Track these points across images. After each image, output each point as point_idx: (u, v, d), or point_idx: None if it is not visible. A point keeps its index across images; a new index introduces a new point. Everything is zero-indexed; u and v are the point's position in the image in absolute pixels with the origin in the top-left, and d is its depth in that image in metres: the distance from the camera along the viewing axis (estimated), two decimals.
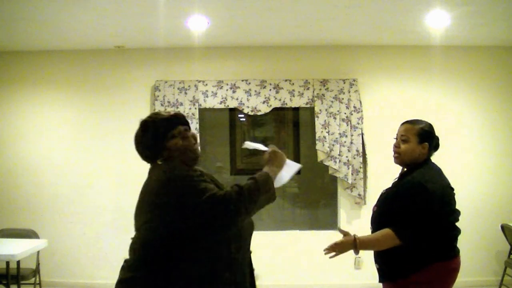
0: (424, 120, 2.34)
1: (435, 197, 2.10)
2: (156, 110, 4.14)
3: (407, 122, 2.33)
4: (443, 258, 2.14)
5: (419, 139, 2.24)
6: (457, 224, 2.23)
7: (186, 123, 1.87)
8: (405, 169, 2.33)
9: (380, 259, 2.27)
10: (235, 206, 1.62)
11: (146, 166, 5.26)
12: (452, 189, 2.23)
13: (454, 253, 2.20)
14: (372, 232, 2.29)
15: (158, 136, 1.85)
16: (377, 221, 2.27)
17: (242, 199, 1.62)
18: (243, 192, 1.63)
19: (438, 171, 2.25)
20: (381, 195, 2.36)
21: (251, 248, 1.88)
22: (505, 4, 3.48)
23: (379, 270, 2.29)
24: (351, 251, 2.24)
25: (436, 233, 2.12)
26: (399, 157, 2.29)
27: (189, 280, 1.66)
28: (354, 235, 2.24)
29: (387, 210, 2.22)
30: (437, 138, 2.32)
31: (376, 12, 3.69)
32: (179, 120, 1.87)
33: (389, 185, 2.43)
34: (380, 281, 2.30)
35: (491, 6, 3.52)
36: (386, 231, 2.13)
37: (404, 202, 2.12)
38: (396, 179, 2.36)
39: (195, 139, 1.88)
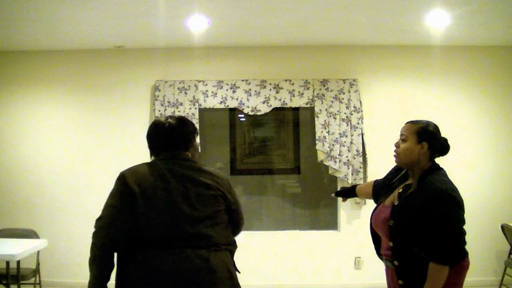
0: (427, 120, 2.25)
1: (460, 205, 2.05)
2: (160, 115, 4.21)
3: (409, 121, 2.27)
4: (461, 258, 2.10)
5: (418, 138, 2.16)
6: None
7: None
8: (406, 171, 2.27)
9: (405, 275, 2.14)
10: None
11: None
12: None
13: (466, 252, 2.14)
14: (391, 247, 2.16)
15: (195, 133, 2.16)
16: (399, 236, 2.12)
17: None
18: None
19: (447, 176, 2.16)
20: (394, 207, 2.17)
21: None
22: (505, 4, 3.48)
23: (402, 286, 2.14)
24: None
25: (459, 239, 2.08)
26: (397, 157, 2.22)
27: None
28: None
29: (412, 223, 2.07)
30: (442, 140, 2.21)
31: (376, 12, 3.69)
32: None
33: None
34: None
35: (491, 6, 3.52)
36: (433, 269, 2.01)
37: (435, 215, 2.00)
38: (405, 188, 2.21)
39: None
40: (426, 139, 2.16)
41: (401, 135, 2.23)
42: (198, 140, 2.20)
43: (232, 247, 2.11)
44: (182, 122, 2.11)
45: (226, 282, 1.94)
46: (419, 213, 2.05)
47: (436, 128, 2.23)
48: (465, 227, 2.17)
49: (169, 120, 2.10)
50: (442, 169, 2.21)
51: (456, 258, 2.06)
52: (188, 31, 4.08)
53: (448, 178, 2.15)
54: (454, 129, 4.64)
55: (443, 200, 2.02)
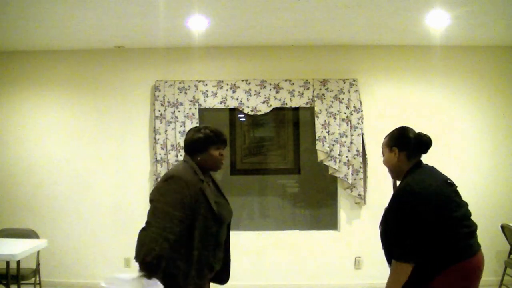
0: (397, 128, 2.37)
1: (419, 198, 2.06)
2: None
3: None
4: (457, 260, 2.05)
5: (388, 148, 2.32)
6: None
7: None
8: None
9: None
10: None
11: (145, 167, 5.27)
12: (450, 184, 2.18)
13: (471, 251, 2.09)
14: (385, 251, 2.22)
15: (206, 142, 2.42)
16: (384, 240, 2.21)
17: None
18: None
19: (426, 172, 2.21)
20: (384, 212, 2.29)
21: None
22: (505, 4, 3.48)
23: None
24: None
25: (438, 236, 2.04)
26: (389, 173, 2.37)
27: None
28: None
29: (386, 227, 2.19)
30: (413, 138, 2.28)
31: (376, 12, 3.69)
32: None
33: (390, 188, 2.44)
34: None
35: (491, 6, 3.52)
36: (393, 265, 2.09)
37: (392, 215, 2.13)
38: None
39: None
40: (395, 144, 2.29)
41: (381, 152, 2.38)
42: (219, 150, 2.43)
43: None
44: (191, 132, 2.45)
45: None
46: (386, 214, 2.17)
47: (401, 130, 2.32)
48: None
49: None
50: (421, 167, 2.25)
51: (412, 256, 2.04)
52: (188, 31, 4.08)
53: (418, 176, 2.18)
54: (453, 128, 4.65)
55: (394, 200, 2.14)
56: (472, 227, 2.15)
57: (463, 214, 2.14)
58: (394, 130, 2.35)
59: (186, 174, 2.27)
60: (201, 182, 2.30)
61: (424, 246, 2.04)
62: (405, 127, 2.34)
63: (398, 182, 2.38)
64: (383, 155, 2.36)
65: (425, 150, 2.27)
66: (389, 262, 2.18)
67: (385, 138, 2.37)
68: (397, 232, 2.08)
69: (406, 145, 2.26)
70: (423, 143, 2.27)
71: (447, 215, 2.08)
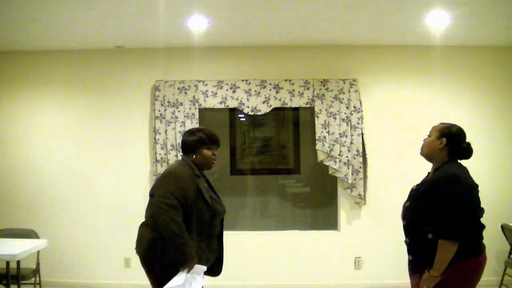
0: (454, 124, 2.49)
1: (467, 189, 2.25)
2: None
3: (440, 122, 2.52)
4: (472, 254, 2.24)
5: (439, 134, 2.41)
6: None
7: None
8: (434, 168, 2.47)
9: (413, 251, 2.37)
10: (160, 224, 2.35)
11: (145, 167, 5.28)
12: (477, 186, 2.37)
13: (481, 248, 2.29)
14: (404, 225, 2.42)
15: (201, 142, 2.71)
16: (411, 216, 2.38)
17: (166, 228, 2.33)
18: (171, 231, 2.34)
19: (466, 169, 2.42)
20: (411, 191, 2.47)
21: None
22: (505, 4, 3.48)
23: (411, 261, 2.38)
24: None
25: (466, 227, 2.20)
26: (421, 149, 2.49)
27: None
28: (426, 270, 2.29)
29: (422, 204, 2.31)
30: (464, 143, 2.43)
31: (376, 12, 3.69)
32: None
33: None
34: (412, 273, 2.41)
35: (491, 6, 3.52)
36: (440, 244, 2.19)
37: (441, 195, 2.22)
38: (426, 177, 2.50)
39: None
40: (446, 137, 2.41)
41: (429, 132, 2.50)
42: (211, 150, 2.70)
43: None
44: (186, 134, 2.73)
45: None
46: (427, 194, 2.30)
47: (459, 130, 2.47)
48: None
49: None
50: (460, 163, 2.43)
51: (461, 234, 2.18)
52: (188, 31, 4.08)
53: (462, 168, 2.37)
54: None
55: (446, 181, 2.26)
56: (483, 229, 2.33)
57: (480, 215, 2.34)
58: (455, 124, 2.48)
59: (182, 170, 2.55)
60: (197, 177, 2.56)
61: (463, 227, 2.18)
62: (462, 130, 2.47)
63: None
64: (429, 136, 2.46)
65: (462, 158, 2.46)
66: (406, 236, 2.40)
67: (442, 123, 2.48)
68: (442, 213, 2.20)
69: (455, 144, 2.41)
70: (467, 152, 2.46)
71: (472, 212, 2.26)
